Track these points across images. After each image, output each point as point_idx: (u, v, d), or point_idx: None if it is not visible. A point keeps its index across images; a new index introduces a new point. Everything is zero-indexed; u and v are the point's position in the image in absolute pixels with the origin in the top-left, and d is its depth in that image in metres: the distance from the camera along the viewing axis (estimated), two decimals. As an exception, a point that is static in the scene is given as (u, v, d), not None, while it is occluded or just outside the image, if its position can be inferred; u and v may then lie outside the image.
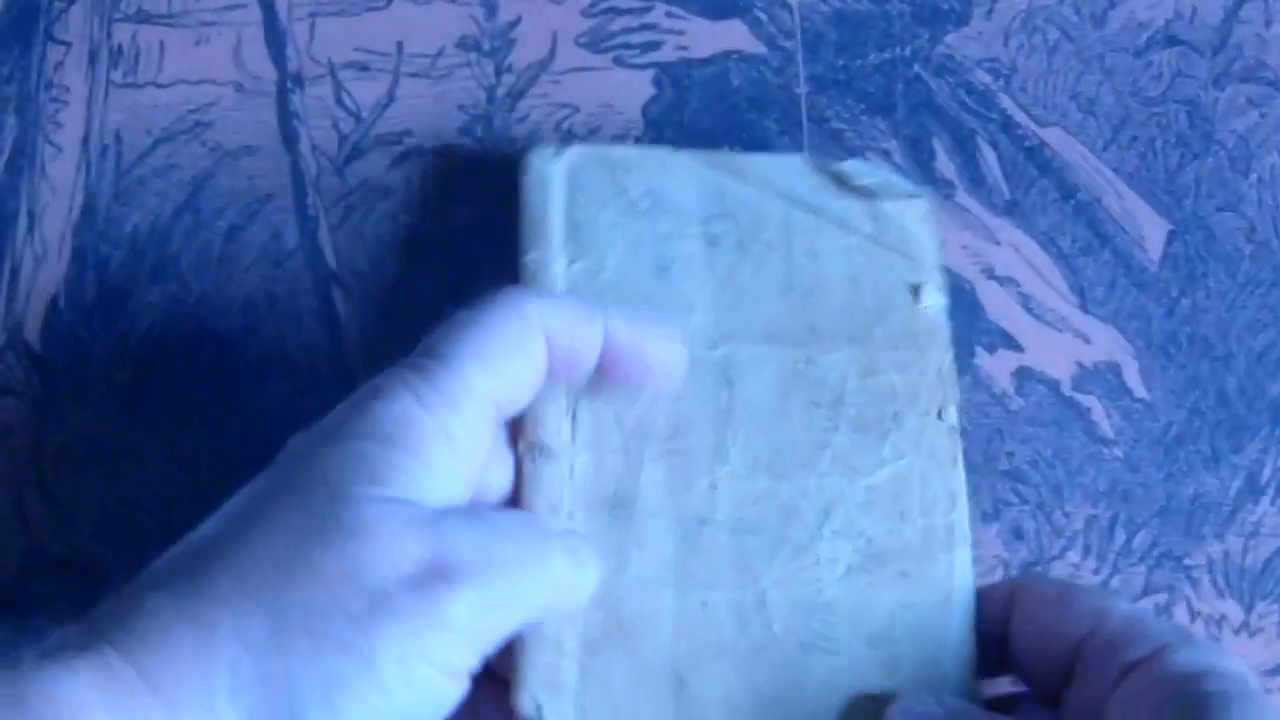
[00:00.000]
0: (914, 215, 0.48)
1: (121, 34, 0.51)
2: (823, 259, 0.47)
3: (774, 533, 0.45)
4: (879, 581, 0.44)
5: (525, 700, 0.42)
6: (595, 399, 0.46)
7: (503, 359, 0.40)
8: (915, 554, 0.45)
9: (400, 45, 0.51)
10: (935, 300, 0.47)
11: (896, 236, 0.47)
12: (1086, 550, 0.48)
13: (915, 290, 0.47)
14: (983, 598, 0.44)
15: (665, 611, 0.44)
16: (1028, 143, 0.51)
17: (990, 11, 0.52)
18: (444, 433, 0.38)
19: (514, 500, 0.45)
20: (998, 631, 0.42)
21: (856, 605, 0.44)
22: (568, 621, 0.43)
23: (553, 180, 0.48)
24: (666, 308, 0.47)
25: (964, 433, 0.48)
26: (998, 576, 0.47)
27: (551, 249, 0.47)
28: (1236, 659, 0.37)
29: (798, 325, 0.47)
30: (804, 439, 0.46)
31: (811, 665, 0.43)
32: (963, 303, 0.49)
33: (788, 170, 0.48)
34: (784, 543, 0.45)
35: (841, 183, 0.48)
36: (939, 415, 0.46)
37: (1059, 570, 0.48)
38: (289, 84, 0.51)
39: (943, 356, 0.46)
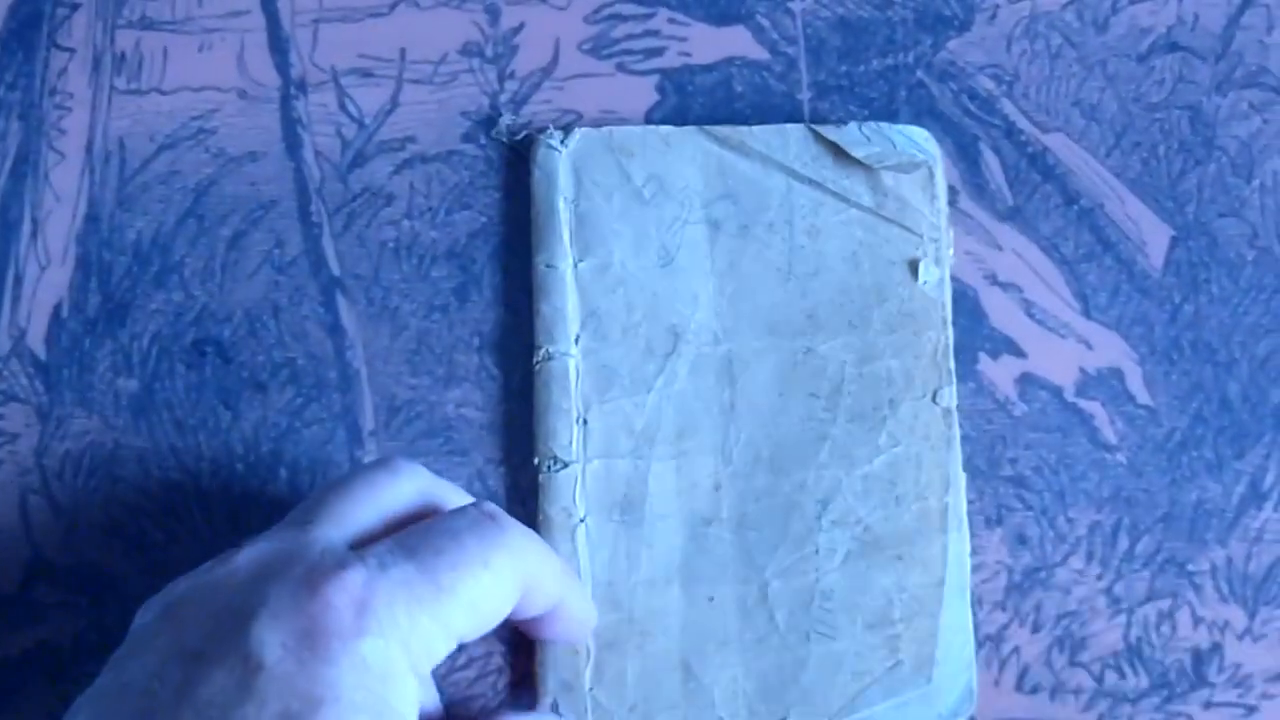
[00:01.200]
0: (913, 185, 0.48)
1: (125, 40, 0.51)
2: (823, 237, 0.48)
3: (775, 527, 0.46)
4: (875, 566, 0.46)
5: (544, 703, 0.45)
6: (605, 404, 0.47)
7: (491, 614, 0.39)
8: (910, 537, 0.46)
9: (403, 51, 0.51)
10: (933, 275, 0.48)
11: (896, 207, 0.48)
12: (1090, 556, 0.48)
13: (913, 266, 0.48)
14: None
15: (673, 608, 0.46)
16: (1030, 149, 0.51)
17: (993, 18, 0.52)
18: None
19: (530, 509, 0.47)
20: None
21: (854, 591, 0.46)
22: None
23: (559, 172, 0.49)
24: (672, 301, 0.48)
25: (967, 439, 0.48)
26: (1001, 582, 0.48)
27: (560, 248, 0.48)
28: None
29: (797, 313, 0.48)
30: (803, 432, 0.47)
31: (812, 651, 0.45)
32: (966, 309, 0.49)
33: (789, 140, 0.49)
34: (784, 535, 0.46)
35: (841, 152, 0.48)
36: (934, 398, 0.47)
37: (1062, 576, 0.48)
38: (292, 90, 0.51)
39: (939, 335, 0.47)
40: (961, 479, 0.47)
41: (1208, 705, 0.47)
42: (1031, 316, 0.50)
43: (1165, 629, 0.47)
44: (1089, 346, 0.49)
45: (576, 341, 0.48)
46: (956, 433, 0.47)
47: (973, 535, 0.47)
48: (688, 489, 0.47)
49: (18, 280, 0.49)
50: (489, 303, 0.49)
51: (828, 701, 0.45)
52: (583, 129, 0.49)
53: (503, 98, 0.51)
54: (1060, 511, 0.48)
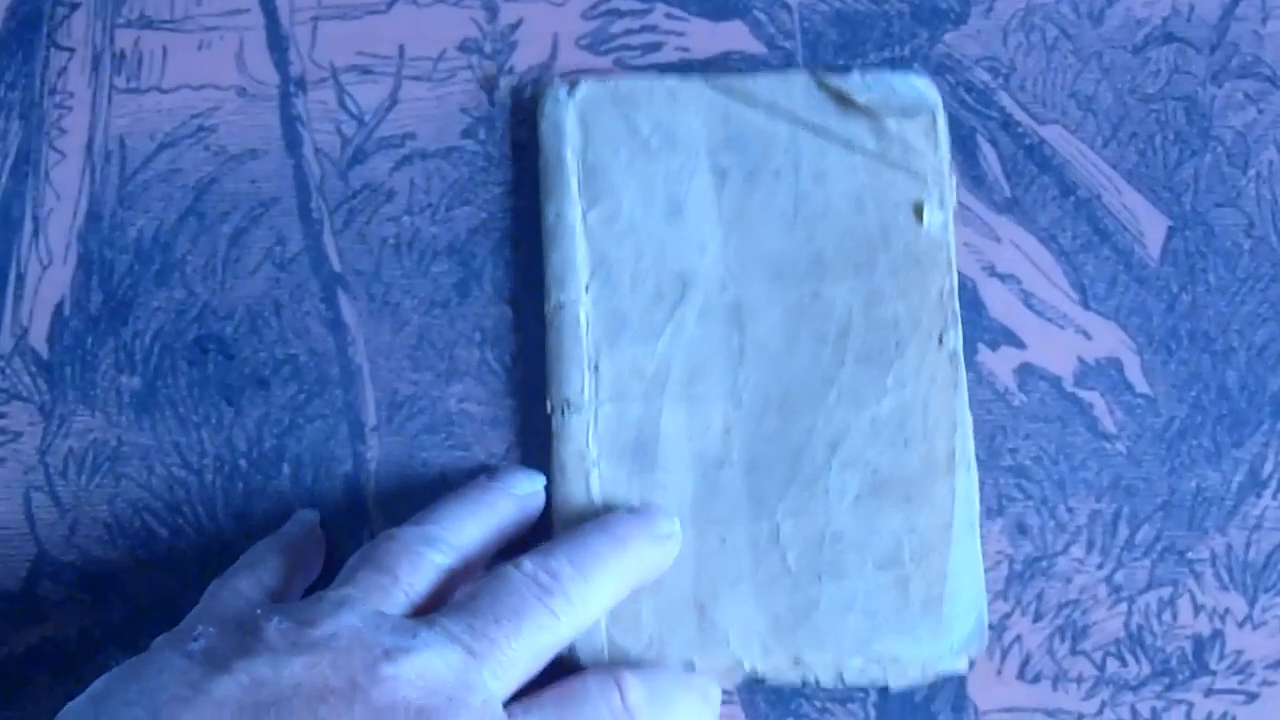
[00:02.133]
0: (916, 130, 0.49)
1: (124, 39, 0.51)
2: (829, 182, 0.49)
3: (785, 468, 0.47)
4: (885, 507, 0.47)
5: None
6: (615, 350, 0.47)
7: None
8: (918, 479, 0.47)
9: (402, 48, 0.51)
10: (937, 218, 0.48)
11: (900, 152, 0.49)
12: (1090, 545, 0.48)
13: (918, 209, 0.48)
14: None
15: (686, 548, 0.46)
16: (1027, 140, 0.51)
17: (989, 10, 0.52)
18: None
19: (544, 455, 0.48)
20: None
21: (864, 531, 0.46)
22: None
23: (566, 123, 0.49)
24: (680, 249, 0.48)
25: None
26: (1003, 572, 0.48)
27: (568, 199, 0.49)
28: None
29: (804, 258, 0.48)
30: (811, 375, 0.47)
31: (824, 591, 0.46)
32: (964, 300, 0.49)
33: (792, 89, 0.50)
34: (795, 477, 0.47)
35: (845, 99, 0.49)
36: (940, 341, 0.48)
37: (1063, 566, 0.48)
38: (291, 88, 0.51)
39: (944, 278, 0.48)
40: (969, 420, 0.47)
41: (1209, 692, 0.47)
42: (1030, 307, 0.50)
43: (1166, 617, 0.48)
44: (1087, 336, 0.50)
45: (587, 290, 0.48)
46: (963, 374, 0.48)
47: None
48: (699, 432, 0.47)
49: (20, 279, 0.49)
50: (490, 298, 0.50)
51: (840, 640, 0.46)
52: (588, 81, 0.50)
53: (501, 94, 0.51)
54: (1060, 501, 0.48)
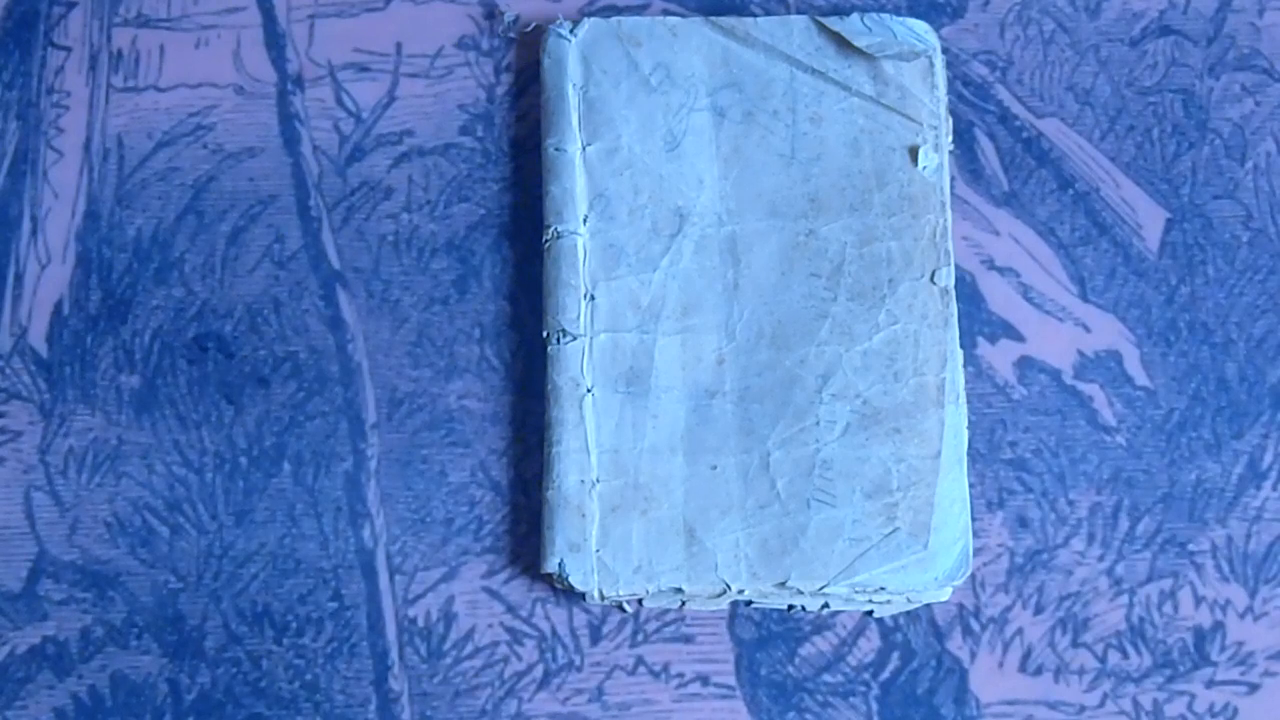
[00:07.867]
0: (913, 73, 0.50)
1: (121, 38, 0.51)
2: (825, 124, 0.50)
3: (777, 400, 0.48)
4: (874, 438, 0.47)
5: (551, 562, 0.46)
6: (612, 281, 0.48)
7: None
8: (908, 411, 0.47)
9: (399, 45, 0.51)
10: (932, 160, 0.49)
11: (896, 96, 0.50)
12: (1091, 538, 0.48)
13: (913, 152, 0.49)
14: None
15: (677, 476, 0.47)
16: (1025, 134, 0.51)
17: (986, 4, 0.52)
18: None
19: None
20: None
21: (853, 461, 0.47)
22: (589, 490, 0.47)
23: (568, 59, 0.50)
24: (677, 184, 0.49)
25: (968, 424, 0.48)
26: (1003, 565, 0.48)
27: (569, 132, 0.49)
28: None
29: (800, 196, 0.49)
30: (805, 310, 0.48)
31: (812, 518, 0.47)
32: (963, 294, 0.49)
33: (793, 30, 0.50)
34: (786, 408, 0.48)
35: (844, 42, 0.50)
36: (932, 278, 0.48)
37: (1064, 558, 0.48)
38: (289, 86, 0.51)
39: (937, 219, 0.49)
40: (959, 355, 0.48)
41: (1210, 684, 0.47)
42: (1029, 300, 0.50)
43: (1167, 608, 0.48)
44: (1087, 329, 0.50)
45: (585, 221, 0.49)
46: (954, 311, 0.48)
47: (974, 519, 0.47)
48: (692, 363, 0.48)
49: (19, 278, 0.49)
50: (489, 294, 0.50)
51: (827, 565, 0.46)
52: (591, 19, 0.50)
53: (499, 90, 0.51)
54: (1061, 494, 0.48)
